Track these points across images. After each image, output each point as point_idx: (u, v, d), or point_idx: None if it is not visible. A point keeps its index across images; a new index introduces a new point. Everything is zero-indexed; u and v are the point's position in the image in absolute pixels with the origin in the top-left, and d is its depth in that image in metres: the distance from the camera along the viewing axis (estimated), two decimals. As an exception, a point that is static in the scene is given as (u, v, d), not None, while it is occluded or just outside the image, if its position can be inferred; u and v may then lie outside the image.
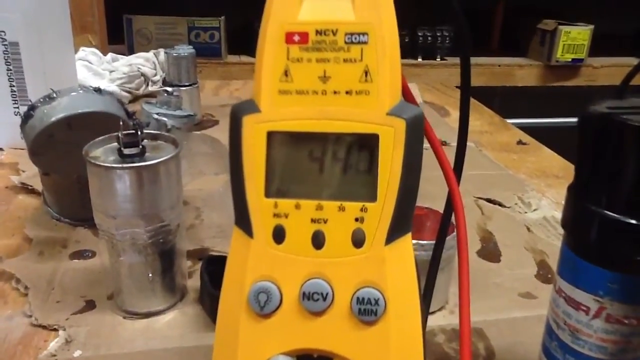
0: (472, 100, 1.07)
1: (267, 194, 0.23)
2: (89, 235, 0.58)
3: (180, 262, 0.47)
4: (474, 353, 0.44)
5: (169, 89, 0.79)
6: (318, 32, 0.23)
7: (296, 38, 0.23)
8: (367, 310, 0.22)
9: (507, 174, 0.78)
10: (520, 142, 0.90)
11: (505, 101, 1.64)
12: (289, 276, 0.23)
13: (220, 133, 0.86)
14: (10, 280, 0.51)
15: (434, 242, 0.30)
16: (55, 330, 0.45)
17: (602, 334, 0.34)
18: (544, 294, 0.50)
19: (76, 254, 0.55)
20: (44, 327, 0.45)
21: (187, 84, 0.88)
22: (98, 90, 0.53)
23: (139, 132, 0.44)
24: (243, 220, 0.24)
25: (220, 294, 0.25)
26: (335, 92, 0.23)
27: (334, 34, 0.23)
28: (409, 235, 0.23)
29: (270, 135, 0.23)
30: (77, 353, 0.42)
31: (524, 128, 0.96)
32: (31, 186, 0.67)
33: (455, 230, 0.32)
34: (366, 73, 0.23)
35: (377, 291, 0.22)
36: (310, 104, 0.23)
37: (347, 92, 0.23)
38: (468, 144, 0.29)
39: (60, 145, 0.51)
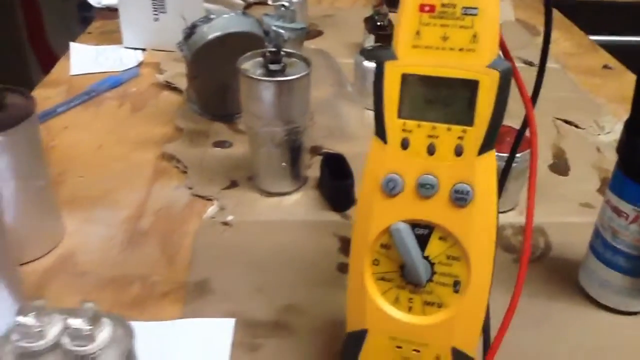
0: (564, 19, 1.11)
1: (399, 116, 0.34)
2: (225, 129, 0.72)
3: (304, 156, 0.60)
4: (535, 245, 0.55)
5: (285, 2, 0.89)
6: (443, 5, 0.33)
7: (426, 8, 0.33)
8: (461, 198, 0.34)
9: (586, 97, 0.85)
10: (605, 67, 0.95)
11: (603, 15, 1.62)
12: (410, 171, 0.35)
13: (327, 43, 0.95)
14: (171, 160, 0.66)
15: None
16: (211, 200, 0.60)
17: (636, 236, 0.45)
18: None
19: (217, 143, 0.69)
20: (202, 197, 0.60)
21: (297, -2, 0.98)
22: (244, 13, 0.64)
23: (280, 52, 0.55)
24: (380, 132, 0.35)
25: (334, 183, 0.36)
26: (451, 49, 0.33)
27: (454, 7, 0.33)
28: (494, 150, 0.34)
29: (404, 75, 0.34)
30: (229, 217, 0.57)
31: (617, 46, 0.98)
32: (174, 84, 0.81)
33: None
34: (474, 36, 0.33)
35: (468, 186, 0.34)
36: (433, 56, 0.34)
37: (459, 49, 0.33)
38: (554, 65, 0.38)
39: (214, 57, 0.63)
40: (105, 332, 0.30)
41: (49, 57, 1.36)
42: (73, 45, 0.92)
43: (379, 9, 0.93)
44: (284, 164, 0.59)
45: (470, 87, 0.33)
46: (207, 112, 0.73)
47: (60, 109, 0.74)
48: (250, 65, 0.56)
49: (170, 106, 0.77)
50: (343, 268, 0.51)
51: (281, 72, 0.55)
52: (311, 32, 1.04)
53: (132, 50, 0.91)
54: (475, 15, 0.33)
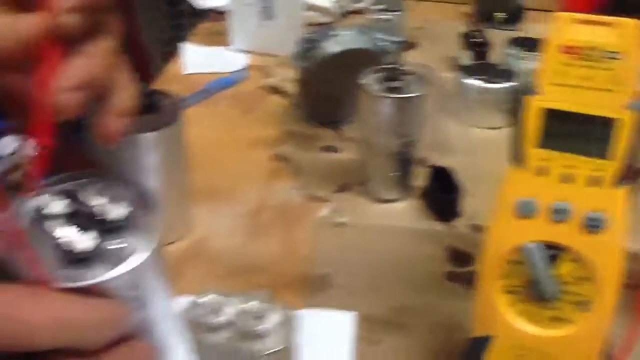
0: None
1: (539, 145, 0.38)
2: (332, 135, 0.76)
3: (413, 167, 0.64)
4: None
5: (389, 16, 0.93)
6: (586, 48, 0.36)
7: (570, 50, 0.37)
8: (594, 225, 0.37)
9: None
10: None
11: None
12: (545, 196, 0.38)
13: (421, 57, 0.99)
14: (284, 162, 0.71)
15: None
16: (324, 201, 0.65)
17: None
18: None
19: (325, 148, 0.74)
20: (315, 198, 0.65)
21: (397, 9, 1.02)
22: (362, 29, 0.69)
23: (400, 69, 0.60)
24: (519, 158, 0.39)
25: (444, 196, 0.39)
26: (591, 88, 0.37)
27: (596, 50, 0.36)
28: (628, 185, 0.37)
29: (547, 110, 0.38)
30: (344, 219, 0.62)
31: None
32: (281, 89, 0.86)
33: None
34: (614, 78, 0.36)
35: (602, 214, 0.37)
36: (574, 93, 0.37)
37: (599, 89, 0.37)
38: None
39: (329, 70, 0.68)
40: (275, 315, 0.35)
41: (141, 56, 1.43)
42: (185, 46, 0.99)
43: (477, 29, 0.97)
44: (395, 173, 0.63)
45: (609, 124, 0.37)
46: (314, 118, 0.78)
47: (182, 106, 0.80)
48: (371, 80, 0.61)
49: (278, 109, 0.83)
50: (452, 277, 0.55)
51: (401, 89, 0.59)
52: (405, 45, 1.08)
53: (239, 53, 0.97)
54: (617, 59, 0.36)
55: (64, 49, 0.30)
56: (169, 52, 1.02)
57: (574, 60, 0.37)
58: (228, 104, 0.84)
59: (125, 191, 0.36)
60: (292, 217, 0.62)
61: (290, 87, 0.85)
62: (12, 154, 1.25)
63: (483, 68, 0.83)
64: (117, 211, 0.33)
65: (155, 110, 0.52)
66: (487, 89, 0.78)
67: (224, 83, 0.88)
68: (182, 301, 0.40)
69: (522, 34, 0.90)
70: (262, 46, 0.97)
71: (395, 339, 0.48)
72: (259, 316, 0.35)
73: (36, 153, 0.29)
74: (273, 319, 0.35)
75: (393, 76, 0.60)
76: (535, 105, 0.38)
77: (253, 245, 0.58)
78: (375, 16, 0.96)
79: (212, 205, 0.63)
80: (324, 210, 0.63)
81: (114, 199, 0.34)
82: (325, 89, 0.73)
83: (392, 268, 0.56)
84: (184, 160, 0.57)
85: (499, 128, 0.78)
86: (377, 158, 0.63)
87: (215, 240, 0.58)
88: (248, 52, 0.97)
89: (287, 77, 0.88)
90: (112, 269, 0.30)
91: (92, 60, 0.32)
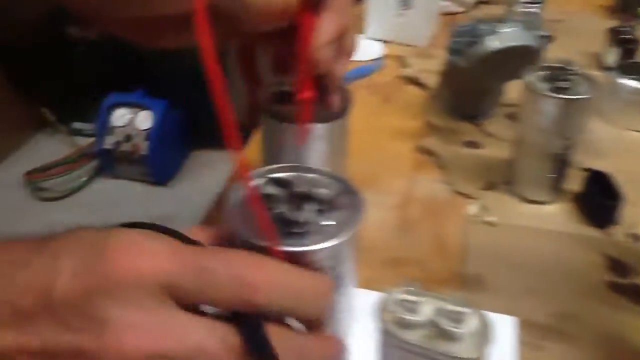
0: None
1: None
2: (474, 130, 0.75)
3: (568, 169, 0.62)
4: None
5: (534, 8, 0.90)
6: None
7: None
8: None
9: None
10: None
11: None
12: None
13: (561, 52, 0.94)
14: (428, 154, 0.71)
15: None
16: (471, 198, 0.64)
17: None
18: None
19: (468, 143, 0.73)
20: (462, 195, 0.64)
21: (538, 1, 0.98)
22: (525, 25, 0.67)
23: (569, 69, 0.57)
24: None
25: (604, 202, 0.38)
26: None
27: None
28: None
29: None
30: (493, 218, 0.61)
31: None
32: (419, 80, 0.86)
33: None
34: None
35: None
36: None
37: None
38: None
39: (486, 65, 0.66)
40: (473, 319, 0.35)
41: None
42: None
43: (627, 25, 0.91)
44: (549, 175, 0.61)
45: None
46: (455, 111, 0.76)
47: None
48: (535, 78, 0.59)
49: (417, 100, 0.82)
50: (614, 287, 0.52)
51: (567, 89, 0.57)
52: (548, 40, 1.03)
53: (375, 42, 0.96)
54: None
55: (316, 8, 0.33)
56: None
57: None
58: (366, 93, 0.84)
59: (331, 181, 0.37)
60: (441, 212, 0.62)
61: (429, 79, 0.84)
62: (124, 126, 1.33)
63: (633, 67, 0.78)
64: (325, 194, 0.35)
65: (324, 98, 0.53)
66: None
67: (361, 71, 0.88)
68: (370, 294, 0.41)
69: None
70: (397, 36, 0.97)
71: (558, 346, 0.47)
72: (457, 319, 0.35)
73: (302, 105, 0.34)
74: (471, 323, 0.35)
75: (559, 75, 0.58)
76: None
77: (403, 238, 0.58)
78: (519, 9, 0.92)
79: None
80: (472, 208, 0.62)
81: (322, 186, 0.36)
82: (474, 84, 0.72)
83: (549, 272, 0.54)
84: (346, 151, 0.58)
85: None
86: (532, 158, 0.61)
87: (366, 231, 0.59)
88: (383, 41, 0.97)
89: (424, 68, 0.87)
90: (322, 241, 0.32)
91: (339, 14, 0.34)
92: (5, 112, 1.34)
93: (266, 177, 0.38)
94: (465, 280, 0.53)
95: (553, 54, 0.90)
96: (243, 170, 0.33)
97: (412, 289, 0.36)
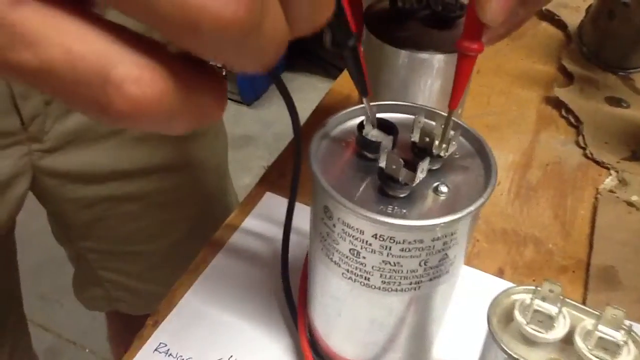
0: None
1: None
2: (620, 84, 0.62)
3: None
4: None
5: None
6: None
7: None
8: None
9: None
10: None
11: None
12: None
13: None
14: (559, 108, 0.58)
15: None
16: (607, 168, 0.52)
17: None
18: None
19: (611, 100, 0.60)
20: (597, 163, 0.52)
21: None
22: None
23: None
24: None
25: None
26: None
27: None
28: None
29: None
30: (633, 197, 0.49)
31: None
32: (557, 16, 0.72)
33: None
34: None
35: None
36: None
37: None
38: None
39: None
40: (630, 350, 0.25)
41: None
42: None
43: None
44: None
45: None
46: (600, 59, 0.63)
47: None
48: None
49: (551, 41, 0.69)
50: None
51: None
52: None
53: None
54: None
55: None
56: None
57: None
58: (491, 26, 0.72)
59: (456, 133, 0.28)
60: (567, 183, 0.51)
61: (569, 16, 0.70)
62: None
63: None
64: (443, 150, 0.27)
65: (448, 23, 0.43)
66: None
67: None
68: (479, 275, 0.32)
69: None
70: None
71: None
72: (614, 347, 0.25)
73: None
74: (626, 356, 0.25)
75: None
76: None
77: (520, 209, 0.48)
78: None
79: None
80: (609, 181, 0.50)
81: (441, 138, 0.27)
82: (632, 27, 0.58)
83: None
84: (465, 93, 0.48)
85: None
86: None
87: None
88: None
89: (564, 1, 0.73)
90: (429, 217, 0.24)
91: None
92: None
93: (369, 116, 0.30)
94: (592, 273, 0.43)
95: None
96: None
97: (551, 291, 0.27)
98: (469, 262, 0.43)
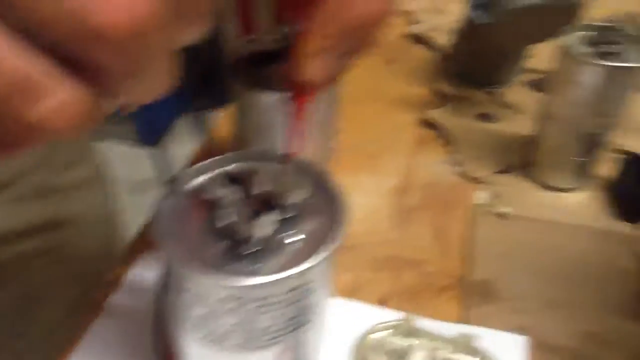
0: None
1: None
2: (490, 99, 0.65)
3: (601, 151, 0.52)
4: None
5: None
6: None
7: None
8: None
9: None
10: None
11: None
12: None
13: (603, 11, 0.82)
14: (434, 128, 0.61)
15: None
16: (481, 183, 0.54)
17: None
18: None
19: (482, 116, 0.62)
20: (471, 179, 0.54)
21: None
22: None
23: (613, 29, 0.47)
24: None
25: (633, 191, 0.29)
26: None
27: None
28: None
29: None
30: (506, 209, 0.51)
31: None
32: (429, 39, 0.75)
33: None
34: None
35: None
36: None
37: None
38: None
39: (512, 23, 0.55)
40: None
41: None
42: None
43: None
44: (579, 158, 0.51)
45: None
46: (469, 78, 0.66)
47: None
48: (575, 40, 0.48)
49: (425, 64, 0.72)
50: (650, 299, 0.43)
51: (615, 55, 0.46)
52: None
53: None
54: None
55: None
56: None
57: None
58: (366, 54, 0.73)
59: (306, 176, 0.28)
60: (444, 201, 0.52)
61: (441, 38, 0.73)
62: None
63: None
64: (294, 198, 0.27)
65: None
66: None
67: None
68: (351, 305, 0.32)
69: None
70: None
71: (582, 379, 0.38)
72: None
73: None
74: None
75: (605, 38, 0.47)
76: None
77: (400, 233, 0.49)
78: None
79: (352, 178, 0.54)
80: (483, 195, 0.53)
81: (291, 185, 0.27)
82: (497, 45, 0.61)
83: (572, 279, 0.45)
84: (334, 124, 0.48)
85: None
86: (560, 137, 0.51)
87: (354, 223, 0.49)
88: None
89: (436, 25, 0.76)
90: (284, 268, 0.24)
91: None
92: None
93: (216, 172, 0.29)
94: (471, 288, 0.44)
95: (599, 11, 0.78)
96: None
97: (402, 322, 0.27)
98: (352, 295, 0.43)
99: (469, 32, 0.63)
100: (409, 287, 0.44)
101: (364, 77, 0.68)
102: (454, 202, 0.52)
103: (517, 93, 0.65)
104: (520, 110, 0.62)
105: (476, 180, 0.54)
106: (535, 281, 0.45)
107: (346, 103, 0.60)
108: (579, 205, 0.52)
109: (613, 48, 0.47)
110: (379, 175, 0.54)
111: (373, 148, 0.58)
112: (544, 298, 0.44)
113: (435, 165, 0.56)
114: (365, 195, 0.52)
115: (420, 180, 0.55)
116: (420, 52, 0.74)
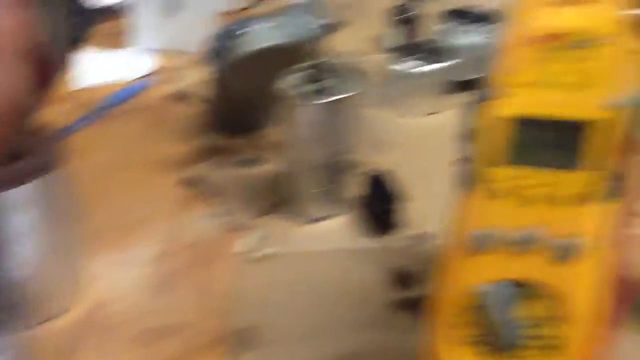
0: None
1: (501, 163, 0.30)
2: (248, 145, 0.66)
3: (346, 177, 0.55)
4: None
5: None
6: (562, 36, 0.28)
7: (542, 39, 0.29)
8: (564, 253, 0.29)
9: None
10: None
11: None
12: (507, 223, 0.30)
13: (350, 39, 0.87)
14: (196, 185, 0.60)
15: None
16: (245, 230, 0.55)
17: None
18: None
19: (242, 163, 0.63)
20: (237, 227, 0.55)
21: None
22: (284, 21, 0.58)
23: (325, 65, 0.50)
24: (473, 181, 0.31)
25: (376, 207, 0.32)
26: (562, 86, 0.29)
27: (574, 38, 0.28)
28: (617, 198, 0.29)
29: (514, 118, 0.29)
30: (268, 251, 0.52)
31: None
32: (190, 95, 0.75)
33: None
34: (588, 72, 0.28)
35: (574, 239, 0.29)
36: (547, 94, 0.29)
37: (577, 86, 0.29)
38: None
39: (245, 69, 0.57)
40: None
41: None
42: (77, 54, 0.86)
43: (404, 2, 0.86)
44: (324, 188, 0.54)
45: (577, 129, 0.29)
46: (230, 127, 0.67)
47: (68, 132, 0.68)
48: (292, 82, 0.51)
49: (190, 120, 0.72)
50: (401, 304, 0.46)
51: (330, 89, 0.49)
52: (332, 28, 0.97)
53: (142, 55, 0.84)
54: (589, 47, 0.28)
55: None
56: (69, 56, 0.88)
57: (546, 53, 0.30)
58: (126, 119, 0.72)
59: None
60: (208, 255, 0.52)
61: (200, 92, 0.74)
62: None
63: (413, 48, 0.74)
64: None
65: (24, 155, 0.41)
66: (420, 72, 0.70)
67: (125, 94, 0.76)
68: None
69: (457, 6, 0.80)
70: (169, 44, 0.85)
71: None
72: None
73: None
74: None
75: (319, 75, 0.50)
76: (500, 113, 0.30)
77: (162, 301, 0.48)
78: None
79: (110, 256, 0.52)
80: (247, 241, 0.53)
81: None
82: (241, 93, 0.63)
83: (329, 304, 0.47)
84: (72, 211, 0.46)
85: (437, 113, 0.70)
86: (303, 172, 0.53)
87: (114, 303, 0.47)
88: (153, 51, 0.84)
89: (196, 80, 0.77)
90: None
91: None
92: None
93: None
94: (237, 339, 0.44)
95: (343, 43, 0.83)
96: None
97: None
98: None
99: (216, 82, 0.65)
100: (170, 356, 0.43)
101: (122, 146, 0.67)
102: (219, 255, 0.52)
103: (276, 134, 0.67)
104: (277, 150, 0.64)
105: (242, 228, 0.55)
106: (298, 316, 0.46)
107: (102, 180, 0.58)
108: (336, 231, 0.55)
109: (326, 83, 0.50)
110: (140, 247, 0.53)
111: (134, 217, 0.56)
112: (305, 330, 0.45)
113: (200, 222, 0.56)
114: (124, 272, 0.50)
115: (186, 240, 0.54)
116: (184, 109, 0.74)
